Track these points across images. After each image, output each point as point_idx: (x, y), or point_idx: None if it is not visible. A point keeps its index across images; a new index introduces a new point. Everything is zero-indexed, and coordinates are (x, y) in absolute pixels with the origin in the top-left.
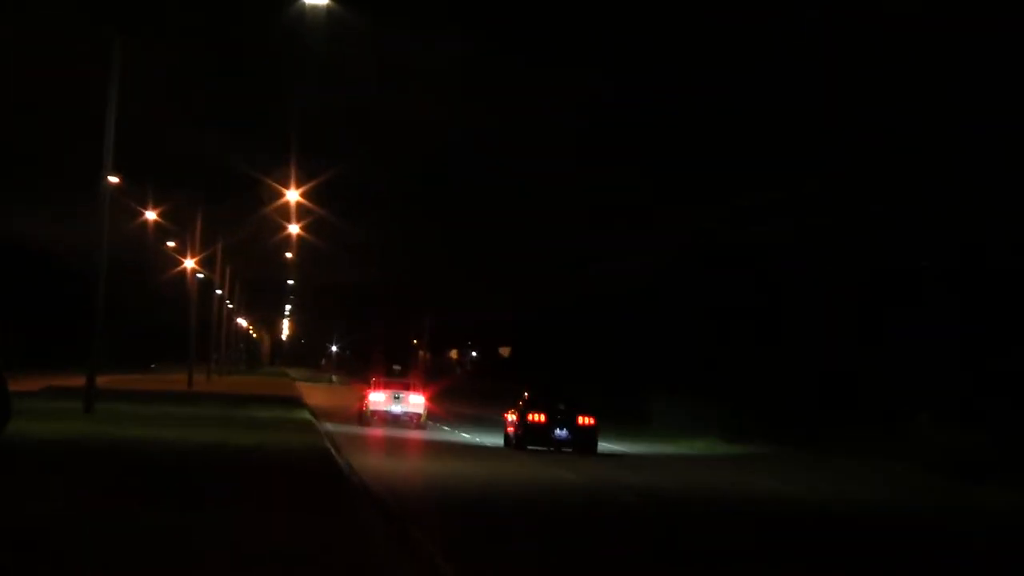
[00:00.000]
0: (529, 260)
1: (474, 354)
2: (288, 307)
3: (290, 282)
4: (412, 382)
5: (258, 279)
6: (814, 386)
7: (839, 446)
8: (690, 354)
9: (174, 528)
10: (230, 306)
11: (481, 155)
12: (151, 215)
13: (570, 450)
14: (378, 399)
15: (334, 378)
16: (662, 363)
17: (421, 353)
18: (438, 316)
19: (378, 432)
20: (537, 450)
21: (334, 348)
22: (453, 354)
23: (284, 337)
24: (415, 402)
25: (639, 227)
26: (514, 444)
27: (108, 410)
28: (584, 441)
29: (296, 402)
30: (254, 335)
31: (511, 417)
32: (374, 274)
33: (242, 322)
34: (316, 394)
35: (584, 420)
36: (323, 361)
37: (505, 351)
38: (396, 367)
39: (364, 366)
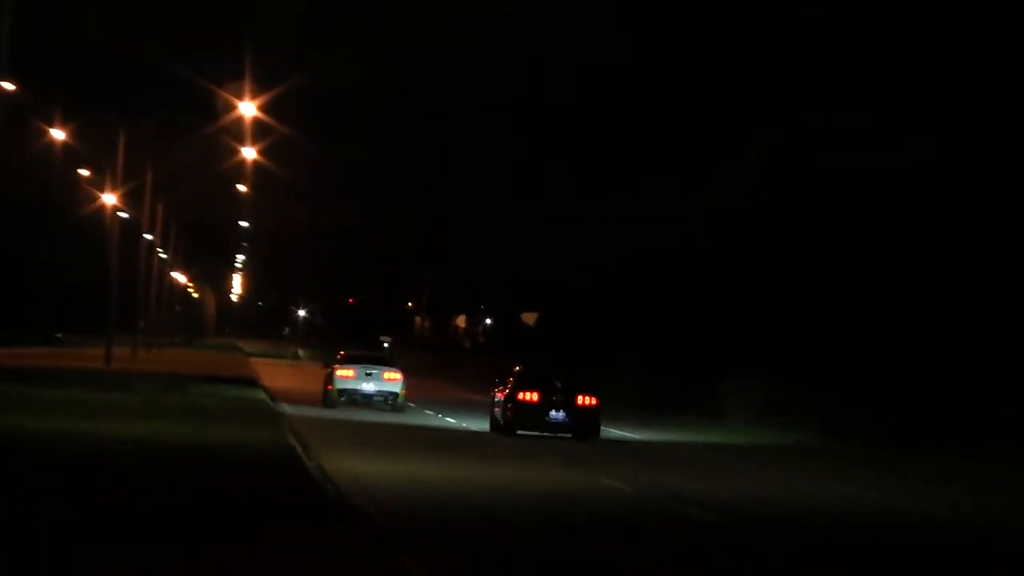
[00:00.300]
0: (562, 205)
1: (488, 321)
2: (241, 258)
3: (243, 224)
4: (387, 356)
5: (201, 222)
6: (885, 380)
7: (920, 446)
8: (761, 333)
9: None
10: (163, 256)
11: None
12: (59, 134)
13: (568, 435)
14: (346, 376)
15: (300, 353)
16: (728, 341)
17: (418, 320)
18: (442, 273)
19: (349, 417)
20: (529, 435)
21: (302, 313)
22: (460, 321)
23: (235, 298)
24: (390, 379)
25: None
26: (502, 427)
27: None
28: (583, 424)
29: (251, 383)
30: (195, 295)
31: (499, 397)
32: (358, 217)
33: (179, 278)
34: (278, 376)
35: (584, 400)
36: (287, 331)
37: (530, 318)
38: (384, 339)
39: (343, 338)
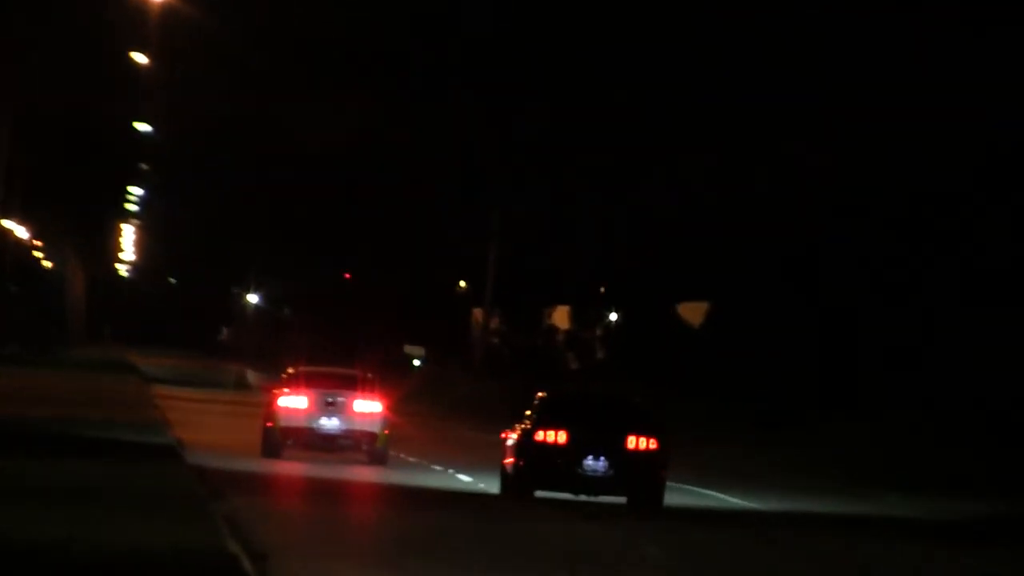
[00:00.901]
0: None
1: (613, 317)
2: (135, 198)
3: (141, 128)
4: (360, 376)
5: (63, 124)
6: None
7: None
8: None
9: None
10: None
11: None
12: None
13: (617, 497)
14: (296, 408)
15: (250, 377)
16: None
17: (478, 314)
18: (523, 228)
19: (301, 470)
20: (557, 498)
21: (252, 300)
22: (558, 317)
23: (124, 272)
24: (365, 412)
25: None
26: (513, 486)
27: None
28: (637, 481)
29: (159, 447)
30: (47, 265)
31: (512, 440)
32: (358, 116)
33: (17, 231)
34: (205, 425)
35: (638, 443)
36: (223, 333)
37: (693, 312)
38: (413, 351)
39: (329, 347)
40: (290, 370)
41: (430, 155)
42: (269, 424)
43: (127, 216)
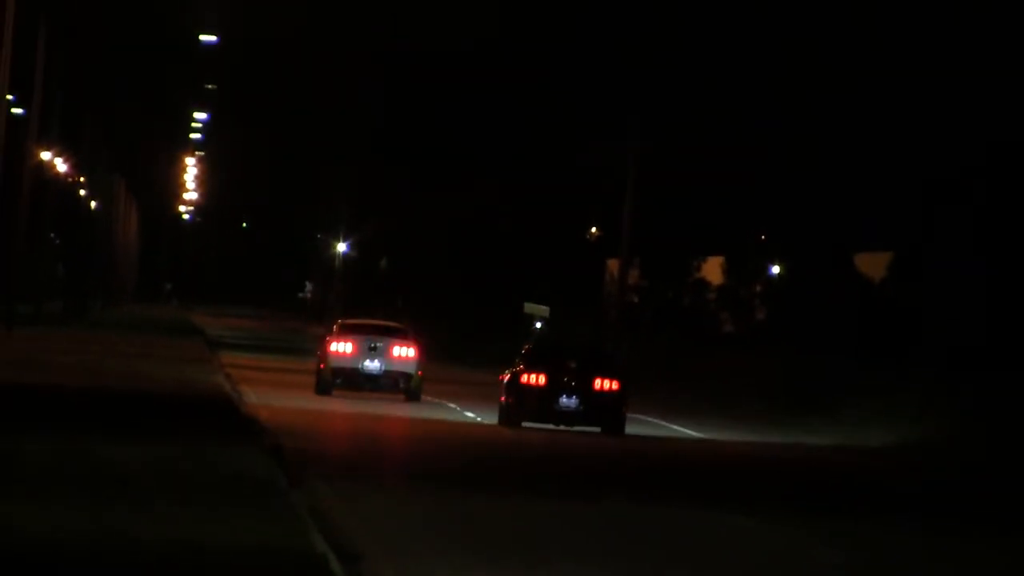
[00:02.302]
0: None
1: (775, 270)
2: (199, 128)
3: (209, 39)
4: (398, 327)
5: (113, 35)
6: None
7: None
8: None
9: None
10: (18, 113)
11: None
12: None
13: (587, 427)
14: (344, 352)
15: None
16: None
17: (612, 267)
18: (666, 164)
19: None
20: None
21: (343, 248)
22: (708, 270)
23: (186, 212)
24: (402, 356)
25: None
26: (505, 418)
27: None
28: (603, 415)
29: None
30: (91, 205)
31: (505, 381)
32: (474, 31)
33: (57, 164)
34: (293, 403)
35: (604, 384)
36: (307, 289)
37: (872, 263)
38: (536, 311)
39: (435, 303)
40: (340, 321)
41: (560, 73)
42: (322, 366)
43: (190, 147)
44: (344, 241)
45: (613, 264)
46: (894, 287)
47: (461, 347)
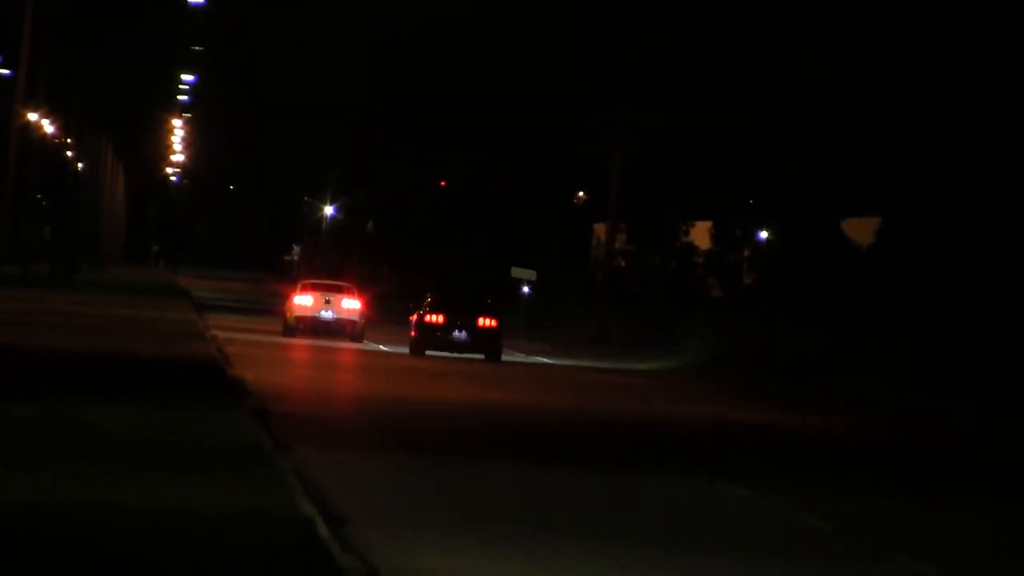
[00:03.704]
0: None
1: (764, 235)
2: (186, 89)
3: (196, 0)
4: (347, 285)
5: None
6: None
7: None
8: None
9: None
10: (2, 73)
11: None
12: None
13: (473, 354)
14: (305, 304)
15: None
16: None
17: (599, 230)
18: (652, 120)
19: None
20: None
21: (328, 212)
22: (696, 235)
23: (173, 174)
24: (350, 308)
25: None
26: (414, 348)
27: None
28: (485, 344)
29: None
30: (78, 166)
31: (414, 321)
32: None
33: (43, 125)
34: (278, 366)
35: (485, 322)
36: (293, 252)
37: (860, 227)
38: (522, 275)
39: (418, 275)
40: (302, 280)
41: (546, 38)
42: (287, 315)
43: (177, 108)
44: (331, 204)
45: (600, 229)
46: (879, 252)
47: None
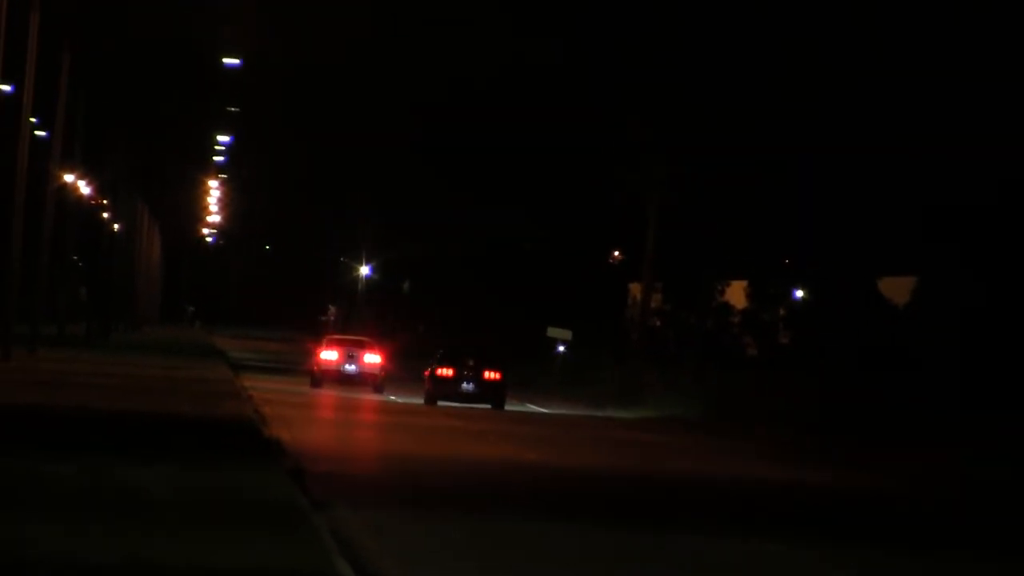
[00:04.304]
0: None
1: (800, 294)
2: (222, 151)
3: (231, 62)
4: (368, 341)
5: (135, 62)
6: None
7: None
8: None
9: None
10: (40, 136)
11: None
12: None
13: (479, 404)
14: (330, 359)
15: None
16: None
17: (635, 290)
18: (687, 178)
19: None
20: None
21: (365, 271)
22: (731, 294)
23: (208, 235)
24: (371, 362)
25: None
26: (428, 399)
27: None
28: (491, 395)
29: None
30: (114, 227)
31: (427, 374)
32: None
33: (80, 185)
34: (316, 426)
35: (490, 375)
36: (330, 312)
37: (897, 287)
38: (558, 335)
39: (457, 330)
40: (327, 336)
41: (581, 101)
42: (314, 368)
43: (213, 169)
44: (367, 264)
45: (636, 288)
46: (916, 311)
47: None
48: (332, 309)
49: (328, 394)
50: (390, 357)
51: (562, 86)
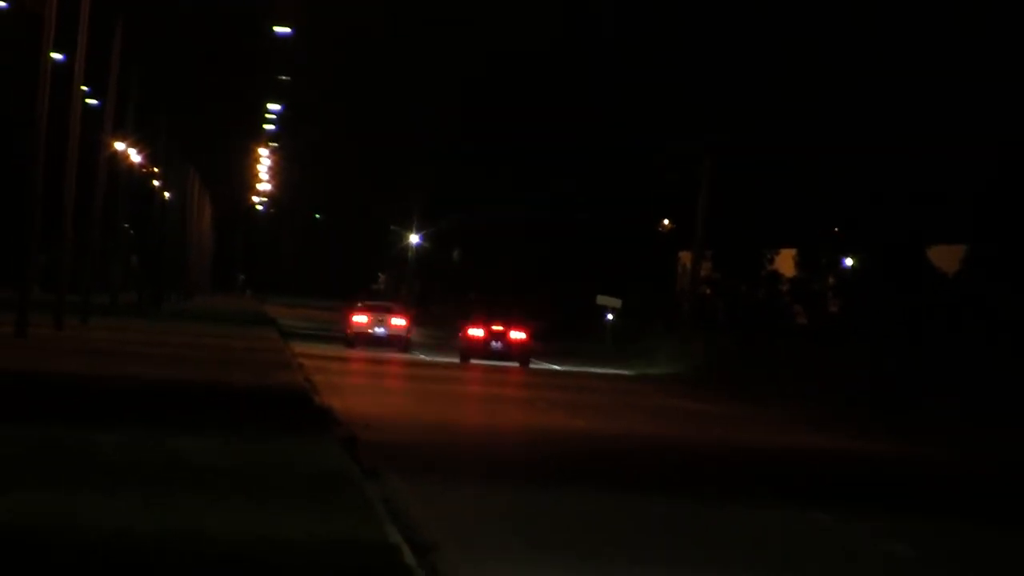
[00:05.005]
0: None
1: (849, 263)
2: (273, 119)
3: (283, 30)
4: (395, 306)
5: (184, 31)
6: None
7: None
8: None
9: None
10: (92, 103)
11: None
12: None
13: (507, 362)
14: (361, 321)
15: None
16: None
17: (684, 259)
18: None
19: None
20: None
21: (416, 239)
22: (782, 263)
23: (259, 202)
24: (398, 324)
25: None
26: (461, 357)
27: None
28: (518, 354)
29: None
30: (165, 196)
31: (460, 335)
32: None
33: (131, 153)
34: (366, 394)
35: (517, 335)
36: (380, 280)
37: (946, 255)
38: (608, 303)
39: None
40: (359, 303)
41: (636, 73)
42: (348, 331)
43: (264, 138)
44: (417, 233)
45: (686, 256)
46: (965, 280)
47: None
48: (382, 277)
49: (374, 359)
50: (416, 320)
51: (616, 57)
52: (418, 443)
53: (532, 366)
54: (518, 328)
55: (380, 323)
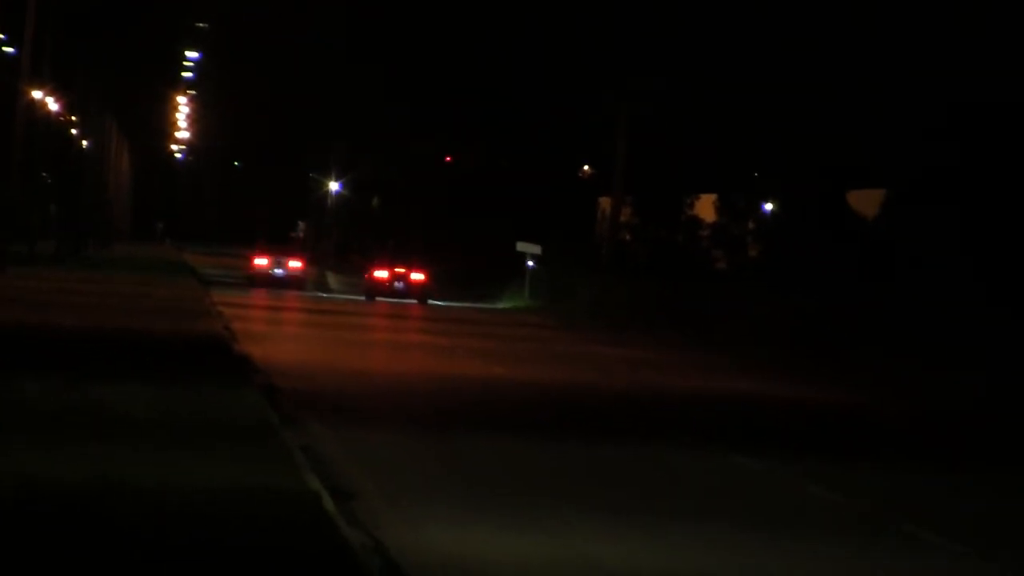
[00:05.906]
0: None
1: (769, 207)
2: (190, 66)
3: None
4: (294, 249)
5: None
6: None
7: None
8: None
9: None
10: (7, 51)
11: None
12: None
13: (407, 300)
14: (263, 263)
15: (332, 281)
16: None
17: (604, 204)
18: (657, 95)
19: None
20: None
21: (335, 187)
22: (701, 208)
23: (178, 151)
24: (296, 266)
25: None
26: (367, 296)
27: None
28: (417, 293)
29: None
30: (83, 144)
31: (366, 276)
32: None
33: (49, 103)
34: (285, 341)
35: (416, 276)
36: (299, 228)
37: (865, 200)
38: (528, 249)
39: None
40: (259, 244)
41: (551, 12)
42: (250, 271)
43: (181, 85)
44: (337, 180)
45: (605, 202)
46: (884, 224)
47: (452, 285)
48: (302, 225)
49: (293, 307)
50: (312, 263)
51: (534, 4)
52: (338, 391)
53: (430, 303)
54: (418, 270)
55: (279, 264)
